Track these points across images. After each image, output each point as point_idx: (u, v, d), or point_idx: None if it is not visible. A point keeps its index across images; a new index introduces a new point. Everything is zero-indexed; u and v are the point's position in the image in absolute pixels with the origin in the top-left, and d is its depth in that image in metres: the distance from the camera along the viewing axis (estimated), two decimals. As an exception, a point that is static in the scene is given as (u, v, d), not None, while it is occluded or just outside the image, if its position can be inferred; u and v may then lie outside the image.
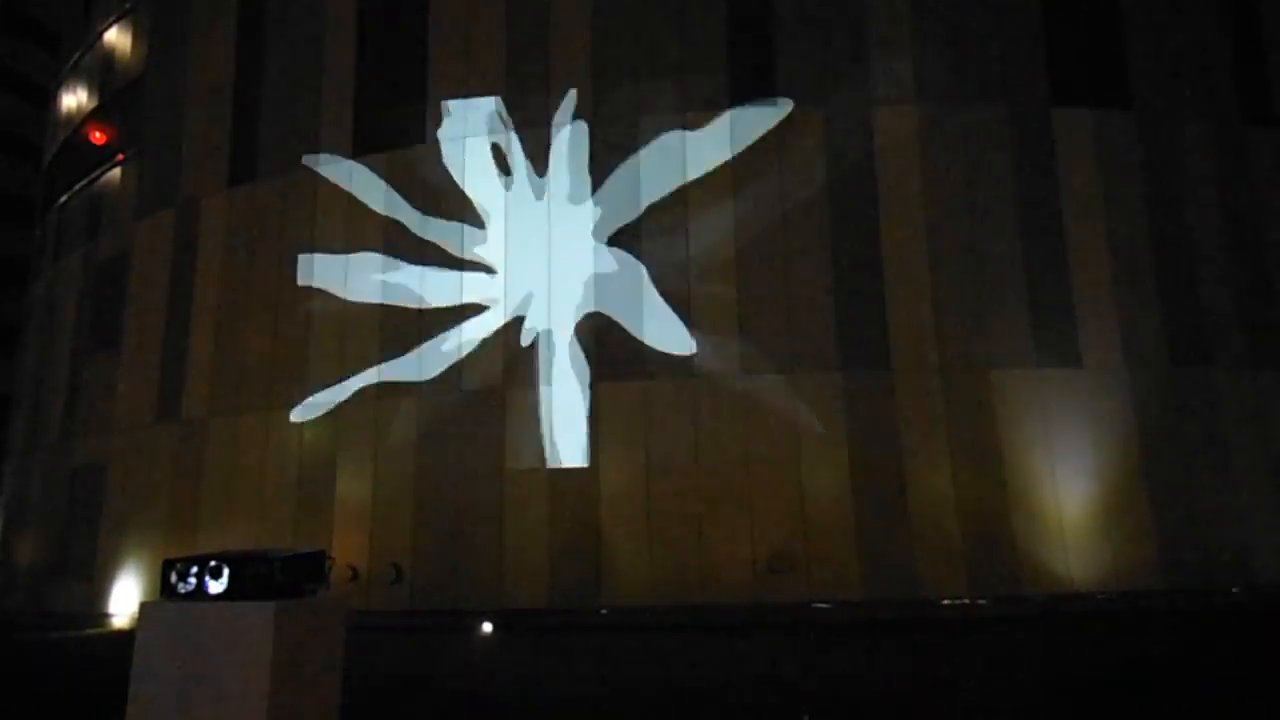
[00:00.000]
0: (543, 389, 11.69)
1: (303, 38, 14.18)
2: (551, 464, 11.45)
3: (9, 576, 16.37)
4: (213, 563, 4.67)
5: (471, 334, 12.12)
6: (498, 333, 12.00)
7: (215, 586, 4.64)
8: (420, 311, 12.39)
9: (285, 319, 13.27)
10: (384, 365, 12.41)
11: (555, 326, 11.85)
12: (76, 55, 18.84)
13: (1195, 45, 12.67)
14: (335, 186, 13.31)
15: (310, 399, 12.71)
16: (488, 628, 10.76)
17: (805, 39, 12.10)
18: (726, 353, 11.39)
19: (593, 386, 11.56)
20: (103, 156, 17.00)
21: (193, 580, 4.66)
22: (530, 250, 12.16)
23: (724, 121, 11.94)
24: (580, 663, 8.87)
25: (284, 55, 14.37)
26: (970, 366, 11.30)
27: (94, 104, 17.79)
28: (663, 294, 11.63)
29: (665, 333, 11.54)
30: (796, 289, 11.49)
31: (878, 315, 11.38)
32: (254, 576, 4.64)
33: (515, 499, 11.46)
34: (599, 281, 11.83)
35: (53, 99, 20.23)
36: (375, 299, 12.68)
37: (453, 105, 12.84)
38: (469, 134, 12.68)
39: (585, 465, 11.39)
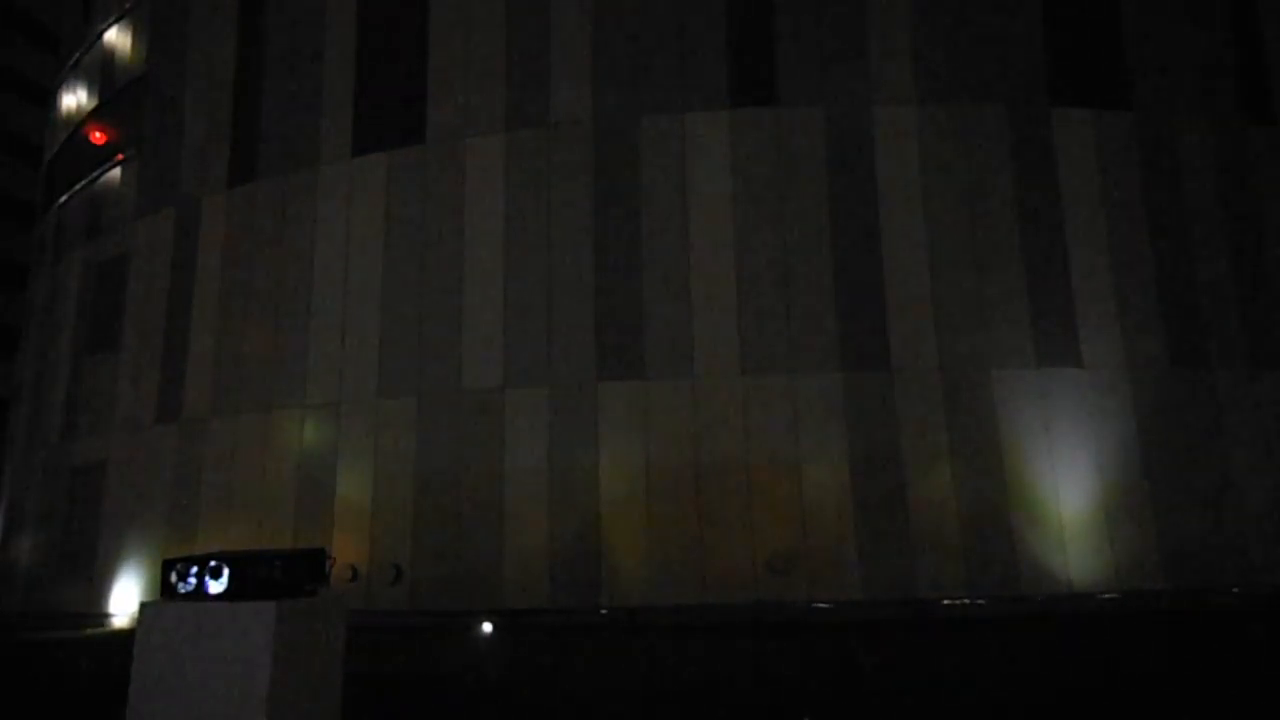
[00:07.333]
0: (543, 389, 11.68)
1: (303, 38, 14.18)
2: (551, 464, 11.45)
3: (9, 576, 16.35)
4: (213, 563, 4.67)
5: (472, 333, 12.11)
6: (498, 332, 12.00)
7: (215, 586, 4.64)
8: (420, 311, 12.38)
9: (285, 319, 13.27)
10: (384, 365, 12.40)
11: (555, 326, 11.84)
12: (76, 55, 18.82)
13: (1195, 45, 12.66)
14: (335, 186, 13.31)
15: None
16: (488, 628, 10.76)
17: (805, 39, 12.10)
18: (726, 353, 11.39)
19: (593, 386, 11.56)
20: (103, 156, 16.98)
21: (193, 580, 4.66)
22: (530, 249, 12.16)
23: (724, 121, 11.95)
24: (581, 663, 8.86)
25: (284, 55, 14.35)
26: (970, 366, 11.29)
27: (94, 104, 17.77)
28: (663, 293, 11.63)
29: (666, 332, 11.54)
30: (797, 289, 11.49)
31: (878, 315, 11.38)
32: (254, 576, 4.65)
33: (515, 499, 11.46)
34: (599, 281, 11.82)
35: (53, 99, 20.21)
36: (375, 299, 12.67)
37: (453, 105, 12.83)
38: (469, 133, 12.68)
39: (585, 465, 11.38)
